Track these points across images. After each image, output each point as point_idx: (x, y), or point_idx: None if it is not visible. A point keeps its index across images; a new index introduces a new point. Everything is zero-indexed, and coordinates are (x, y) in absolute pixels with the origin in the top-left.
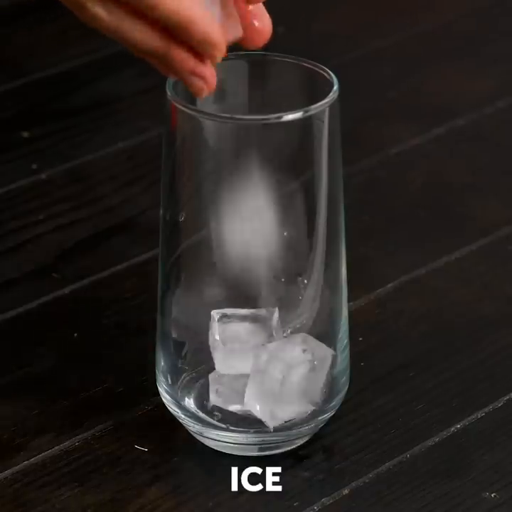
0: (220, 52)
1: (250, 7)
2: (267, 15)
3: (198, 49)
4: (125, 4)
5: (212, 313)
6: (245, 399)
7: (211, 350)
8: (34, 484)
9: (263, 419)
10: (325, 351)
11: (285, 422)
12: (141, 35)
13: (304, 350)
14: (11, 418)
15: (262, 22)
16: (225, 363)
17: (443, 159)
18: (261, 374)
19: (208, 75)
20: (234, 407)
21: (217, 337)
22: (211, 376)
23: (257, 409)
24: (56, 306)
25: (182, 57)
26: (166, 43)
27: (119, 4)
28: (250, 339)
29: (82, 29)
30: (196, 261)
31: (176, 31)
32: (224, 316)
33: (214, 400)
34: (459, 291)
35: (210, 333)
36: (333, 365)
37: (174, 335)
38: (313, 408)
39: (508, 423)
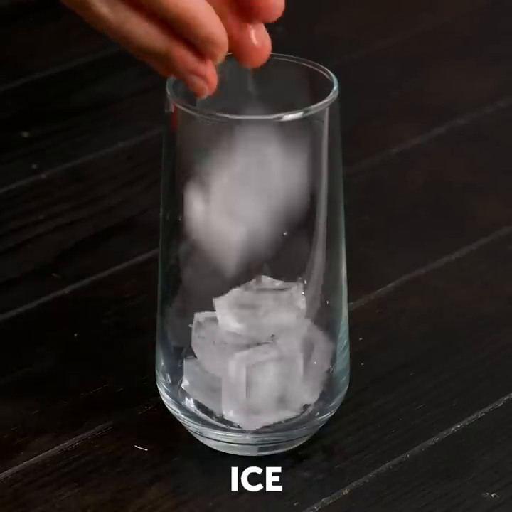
0: (222, 51)
1: (250, 26)
2: (267, 35)
3: (201, 47)
4: (130, 1)
5: (195, 315)
6: (222, 405)
7: (193, 348)
8: (34, 484)
9: (240, 425)
10: (295, 353)
11: (267, 426)
12: (144, 32)
13: (275, 373)
14: (11, 418)
15: (262, 41)
16: (205, 363)
17: (444, 159)
18: (229, 382)
19: (208, 75)
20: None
21: (198, 338)
22: (186, 363)
23: (233, 416)
24: (56, 306)
25: (184, 56)
26: (168, 41)
27: (124, 1)
28: (232, 341)
29: (82, 29)
30: (196, 261)
31: (180, 28)
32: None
33: (185, 386)
34: (460, 291)
35: (192, 334)
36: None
37: (173, 335)
38: (295, 414)
39: (508, 423)
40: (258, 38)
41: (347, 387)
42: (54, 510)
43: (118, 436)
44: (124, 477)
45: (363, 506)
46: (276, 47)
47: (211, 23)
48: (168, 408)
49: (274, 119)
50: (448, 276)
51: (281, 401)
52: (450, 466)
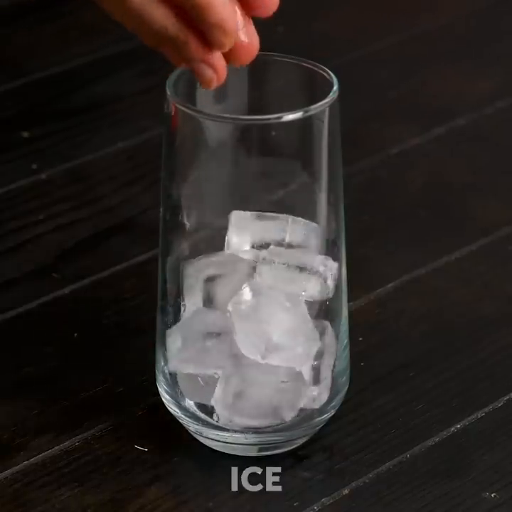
0: (230, 41)
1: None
2: (256, 33)
3: (211, 35)
4: None
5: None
6: (213, 396)
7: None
8: (34, 484)
9: (221, 419)
10: (297, 376)
11: (246, 428)
12: (161, 16)
13: (275, 373)
14: (11, 418)
15: (251, 39)
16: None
17: (443, 159)
18: (225, 380)
19: (218, 64)
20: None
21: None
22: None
23: (217, 410)
24: (56, 306)
25: (197, 43)
26: (182, 27)
27: None
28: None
29: (82, 29)
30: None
31: (195, 12)
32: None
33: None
34: (459, 291)
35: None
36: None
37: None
38: (278, 422)
39: (508, 423)
40: (247, 36)
41: (347, 387)
42: (54, 510)
43: (118, 436)
44: (124, 477)
45: (363, 506)
46: (274, 46)
47: (225, 11)
48: (168, 408)
49: (274, 119)
50: (448, 276)
51: (269, 411)
52: (450, 466)
